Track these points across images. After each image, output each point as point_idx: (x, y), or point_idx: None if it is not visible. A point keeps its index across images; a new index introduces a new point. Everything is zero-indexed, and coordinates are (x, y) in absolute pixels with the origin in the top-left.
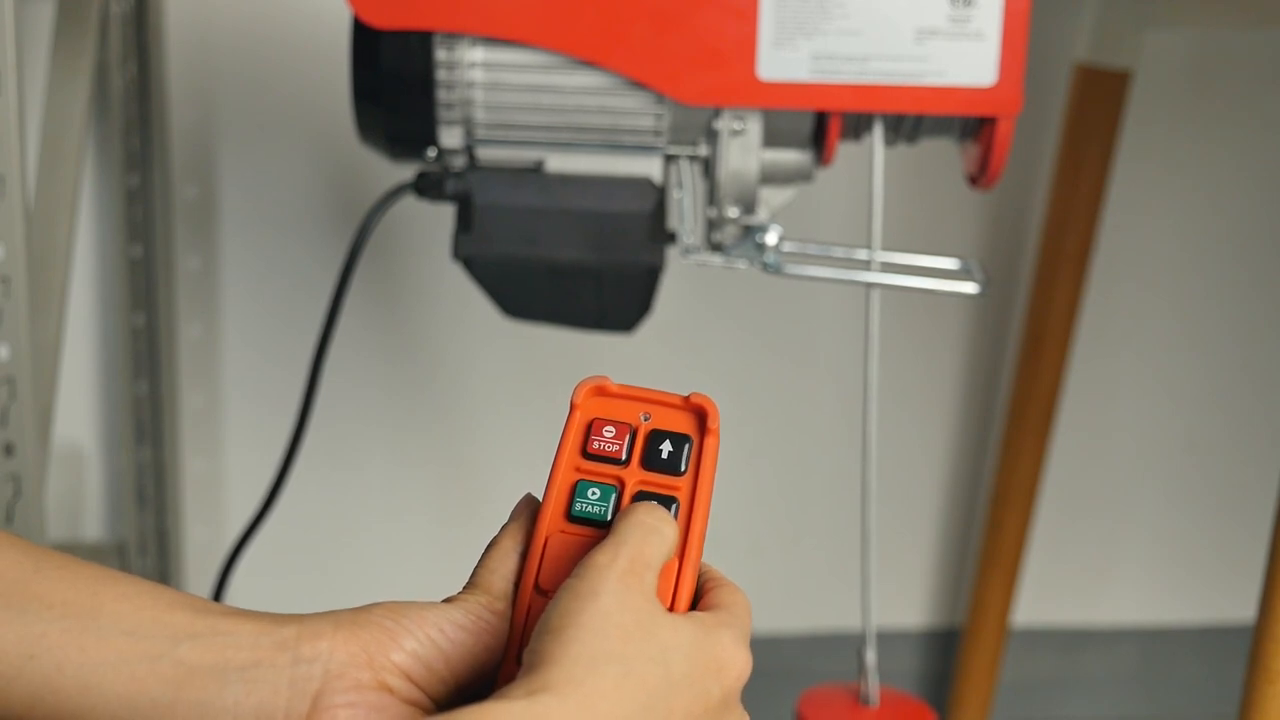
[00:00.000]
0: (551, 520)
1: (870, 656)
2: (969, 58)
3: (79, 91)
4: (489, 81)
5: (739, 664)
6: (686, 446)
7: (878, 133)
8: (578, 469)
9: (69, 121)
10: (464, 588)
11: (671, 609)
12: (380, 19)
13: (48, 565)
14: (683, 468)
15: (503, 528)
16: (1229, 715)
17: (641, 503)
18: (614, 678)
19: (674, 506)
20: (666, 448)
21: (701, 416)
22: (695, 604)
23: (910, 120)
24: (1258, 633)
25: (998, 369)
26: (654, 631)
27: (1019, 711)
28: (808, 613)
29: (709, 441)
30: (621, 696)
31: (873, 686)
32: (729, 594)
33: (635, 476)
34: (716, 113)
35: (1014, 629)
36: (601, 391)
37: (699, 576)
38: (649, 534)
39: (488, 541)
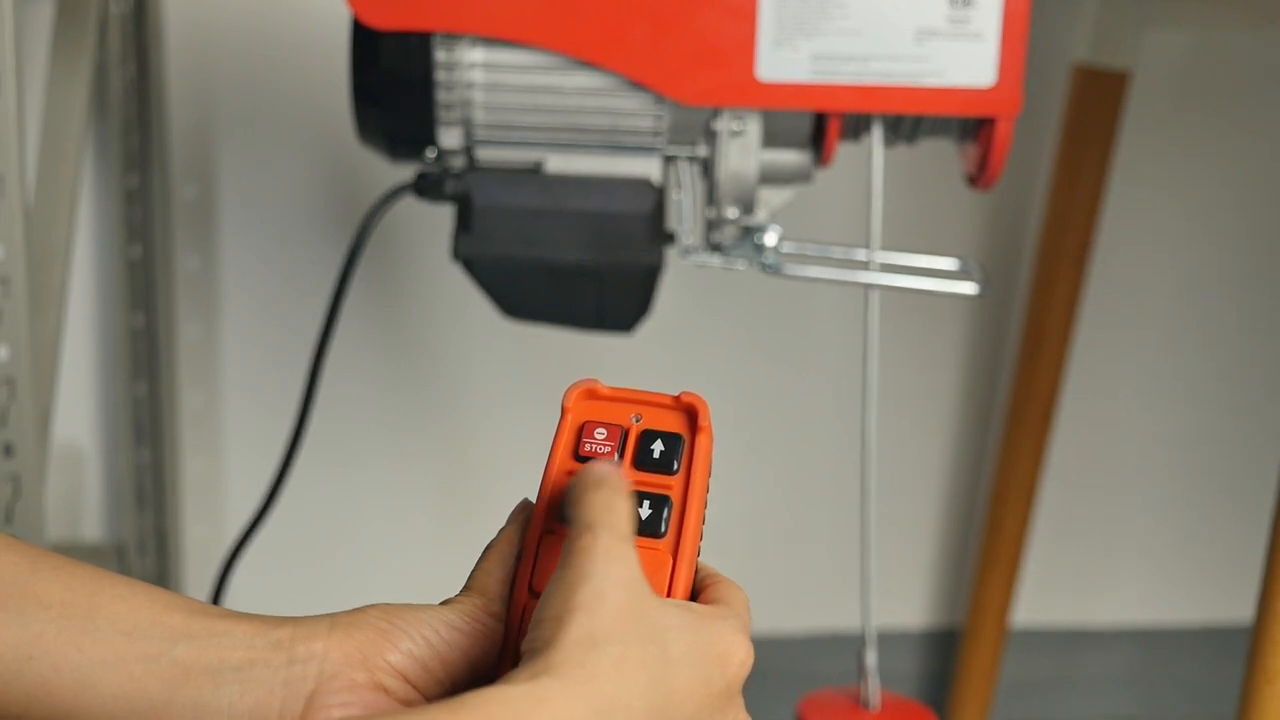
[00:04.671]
0: (545, 523)
1: (870, 659)
2: (968, 58)
3: (79, 91)
4: (489, 82)
5: (741, 653)
6: (678, 445)
7: (877, 133)
8: (570, 472)
9: (69, 121)
10: (461, 591)
11: None
12: (380, 19)
13: (45, 566)
14: (675, 467)
15: (499, 532)
16: (1228, 715)
17: (583, 475)
18: (613, 658)
19: (668, 505)
20: (658, 447)
21: (692, 415)
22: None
23: (909, 121)
24: (1257, 633)
25: (997, 369)
26: (645, 609)
27: (1019, 711)
28: (808, 613)
29: (701, 439)
30: (622, 676)
31: (873, 690)
32: (726, 589)
33: (628, 477)
34: (716, 113)
35: (1013, 629)
36: (592, 394)
37: (696, 574)
38: (609, 503)
39: (487, 542)
